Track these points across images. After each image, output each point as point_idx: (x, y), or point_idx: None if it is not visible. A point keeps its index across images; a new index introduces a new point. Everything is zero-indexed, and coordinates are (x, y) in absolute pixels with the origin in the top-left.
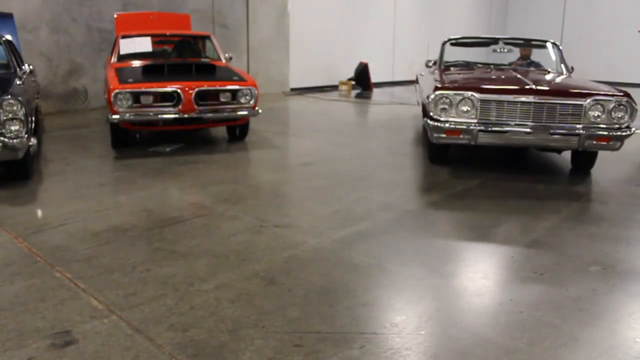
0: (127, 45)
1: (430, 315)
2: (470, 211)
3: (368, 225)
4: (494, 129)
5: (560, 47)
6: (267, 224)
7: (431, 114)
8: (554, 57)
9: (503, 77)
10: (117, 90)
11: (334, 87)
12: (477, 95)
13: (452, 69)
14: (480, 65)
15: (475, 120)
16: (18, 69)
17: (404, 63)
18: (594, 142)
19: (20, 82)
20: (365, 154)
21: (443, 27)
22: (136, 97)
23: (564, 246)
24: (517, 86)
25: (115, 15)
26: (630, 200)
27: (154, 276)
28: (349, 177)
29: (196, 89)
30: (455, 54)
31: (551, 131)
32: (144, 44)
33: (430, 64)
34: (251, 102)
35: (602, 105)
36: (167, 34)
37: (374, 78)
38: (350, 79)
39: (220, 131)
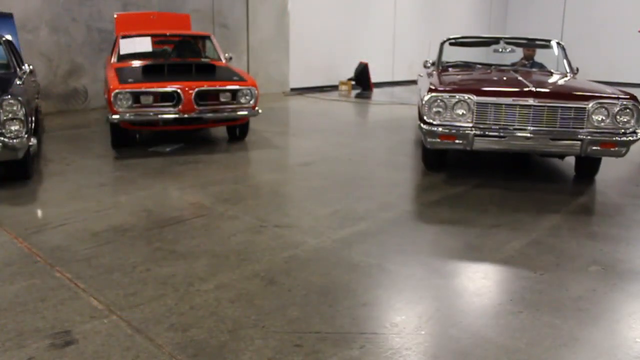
0: (127, 45)
1: (430, 315)
2: (471, 211)
3: (368, 225)
4: (491, 133)
5: (564, 47)
6: (267, 224)
7: (425, 117)
8: (558, 58)
9: (502, 78)
10: (117, 90)
11: (334, 87)
12: (473, 97)
13: (450, 69)
14: (480, 66)
15: (472, 125)
16: (18, 69)
17: (404, 63)
18: (598, 148)
19: (20, 82)
20: (365, 154)
21: (443, 27)
22: (136, 97)
23: (564, 246)
24: (516, 88)
25: (115, 15)
26: (630, 200)
27: (154, 276)
28: (349, 177)
29: (196, 89)
30: (455, 55)
31: (552, 136)
32: (144, 44)
33: (429, 64)
34: (251, 102)
35: (606, 108)
36: (167, 34)
37: (374, 78)
38: (350, 79)
39: (220, 131)
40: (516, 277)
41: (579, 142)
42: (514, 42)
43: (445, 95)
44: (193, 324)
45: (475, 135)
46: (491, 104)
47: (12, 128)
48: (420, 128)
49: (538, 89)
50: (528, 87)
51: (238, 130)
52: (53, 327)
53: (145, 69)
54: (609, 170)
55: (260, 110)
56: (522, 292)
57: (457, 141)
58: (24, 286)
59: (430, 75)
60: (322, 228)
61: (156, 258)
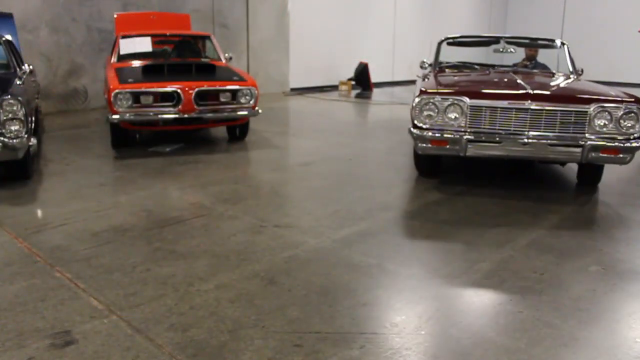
0: (127, 45)
1: (430, 315)
2: (471, 211)
3: (368, 225)
4: (485, 139)
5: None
6: (267, 224)
7: (415, 121)
8: (561, 58)
9: (499, 80)
10: (117, 90)
11: (334, 87)
12: (466, 100)
13: (447, 70)
14: (479, 67)
15: (465, 129)
16: (18, 69)
17: (404, 63)
18: (600, 154)
19: (20, 82)
20: (365, 154)
21: (443, 27)
22: (136, 97)
23: (564, 246)
24: (512, 90)
25: (115, 15)
26: (630, 200)
27: (154, 276)
28: (349, 177)
29: (196, 89)
30: (455, 55)
31: (551, 142)
32: (144, 44)
33: (426, 65)
34: (251, 102)
35: (609, 112)
36: (167, 34)
37: (374, 78)
38: (350, 79)
39: (220, 131)
40: (516, 277)
41: (579, 149)
42: (515, 41)
43: (437, 97)
44: (193, 324)
45: (469, 140)
46: (486, 107)
47: (12, 128)
48: (411, 132)
49: (536, 92)
50: (525, 89)
51: (238, 130)
52: (53, 327)
53: (145, 69)
54: (609, 170)
55: (260, 110)
56: (522, 292)
57: (449, 147)
58: (24, 286)
59: (426, 76)
60: (322, 228)
61: (156, 258)
